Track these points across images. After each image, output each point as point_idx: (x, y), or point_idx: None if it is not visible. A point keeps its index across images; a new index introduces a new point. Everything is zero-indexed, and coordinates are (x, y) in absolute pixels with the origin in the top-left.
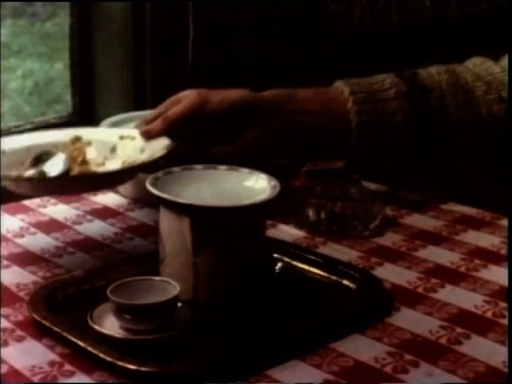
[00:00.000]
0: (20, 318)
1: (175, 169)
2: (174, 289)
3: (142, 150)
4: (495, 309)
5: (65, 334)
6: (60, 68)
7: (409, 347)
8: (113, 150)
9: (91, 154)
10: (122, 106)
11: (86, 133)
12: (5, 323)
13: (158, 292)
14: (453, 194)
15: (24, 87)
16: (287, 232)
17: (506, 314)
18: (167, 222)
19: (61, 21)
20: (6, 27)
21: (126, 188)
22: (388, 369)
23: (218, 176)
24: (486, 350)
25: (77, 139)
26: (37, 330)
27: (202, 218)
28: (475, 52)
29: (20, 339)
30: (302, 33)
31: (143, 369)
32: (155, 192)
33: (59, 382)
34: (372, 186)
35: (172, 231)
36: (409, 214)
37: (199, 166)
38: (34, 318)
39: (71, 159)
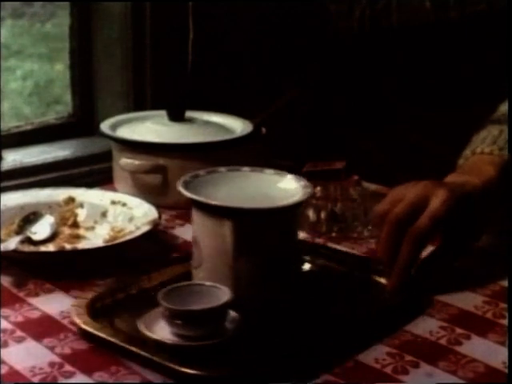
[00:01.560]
0: (20, 318)
1: (201, 172)
2: (224, 294)
3: (131, 220)
4: (495, 309)
5: (112, 339)
6: (60, 69)
7: (409, 348)
8: (103, 214)
9: (82, 216)
10: (122, 107)
11: (79, 194)
12: (4, 324)
13: (207, 297)
14: None
15: (24, 88)
16: None
17: (506, 314)
18: (204, 226)
19: (61, 21)
20: (5, 28)
21: (124, 185)
22: (388, 369)
23: (243, 178)
24: (485, 351)
25: (70, 200)
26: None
27: (243, 220)
28: (475, 54)
29: (20, 340)
30: (302, 33)
31: (200, 373)
32: (193, 197)
33: (59, 382)
34: (372, 186)
35: (210, 235)
36: None
37: (223, 169)
38: (79, 326)
39: (62, 220)
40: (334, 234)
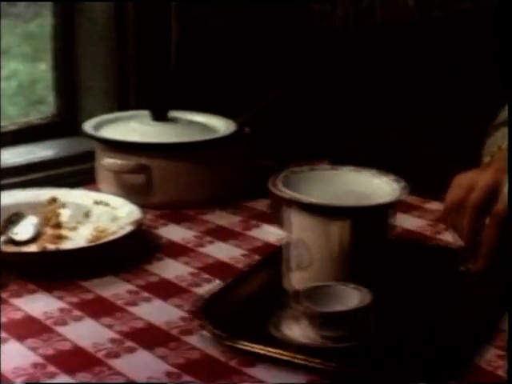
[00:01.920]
0: (3, 319)
1: (294, 169)
2: (365, 295)
3: (114, 220)
4: None
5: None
6: (44, 69)
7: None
8: (86, 214)
9: (65, 216)
10: (106, 107)
11: (62, 194)
12: None
13: (342, 298)
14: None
15: (8, 88)
16: (271, 232)
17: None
18: (314, 227)
19: (44, 22)
20: None
21: (107, 185)
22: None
23: (338, 177)
24: None
25: (53, 200)
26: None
27: (361, 217)
28: (459, 53)
29: (3, 341)
30: (285, 34)
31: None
32: (303, 199)
33: (42, 383)
34: None
35: (323, 235)
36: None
37: (327, 166)
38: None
39: (45, 220)
40: None
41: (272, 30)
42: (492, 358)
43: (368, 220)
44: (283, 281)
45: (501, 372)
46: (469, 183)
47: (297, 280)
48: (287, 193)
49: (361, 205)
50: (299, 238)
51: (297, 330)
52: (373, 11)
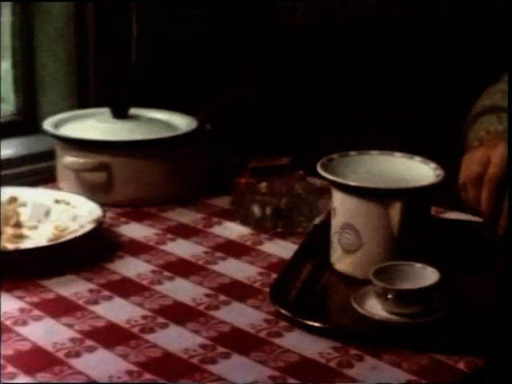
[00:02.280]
0: None
1: (334, 156)
2: (433, 274)
3: (75, 218)
4: None
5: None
6: (6, 67)
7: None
8: (47, 213)
9: (25, 215)
10: (66, 105)
11: (22, 193)
12: None
13: (415, 277)
14: None
15: None
16: (233, 229)
17: None
18: (364, 209)
19: (5, 20)
20: None
21: (68, 184)
22: (333, 364)
23: (372, 161)
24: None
25: (13, 199)
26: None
27: (409, 199)
28: (417, 47)
29: None
30: (248, 31)
31: None
32: (352, 183)
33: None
34: (317, 181)
35: (372, 217)
36: None
37: (353, 152)
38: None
39: (5, 219)
40: (279, 230)
41: (233, 26)
42: None
43: (416, 201)
44: (335, 264)
45: None
46: (483, 159)
47: (347, 262)
48: (335, 178)
49: (412, 187)
50: (347, 222)
51: (370, 307)
52: (334, 8)
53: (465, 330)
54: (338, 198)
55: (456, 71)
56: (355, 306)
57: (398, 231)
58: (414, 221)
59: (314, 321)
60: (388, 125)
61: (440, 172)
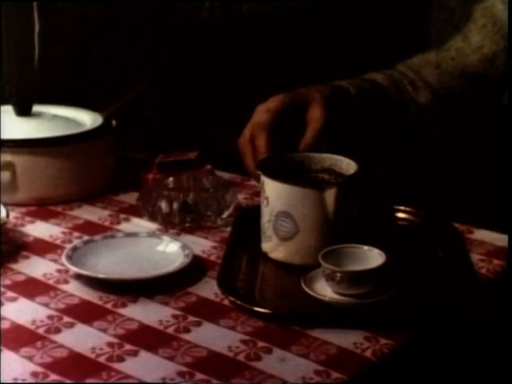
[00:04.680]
0: None
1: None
2: (379, 256)
3: None
4: None
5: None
6: None
7: (262, 334)
8: None
9: None
10: None
11: None
12: None
13: (362, 259)
14: None
15: None
16: (140, 225)
17: None
18: (302, 198)
19: None
20: None
21: None
22: (241, 357)
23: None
24: (337, 333)
25: None
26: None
27: (343, 187)
28: (323, 43)
29: None
30: (152, 25)
31: None
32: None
33: None
34: (225, 175)
35: (309, 206)
36: None
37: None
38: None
39: None
40: (187, 225)
41: (138, 21)
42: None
43: (348, 188)
44: (270, 253)
45: None
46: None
47: (283, 250)
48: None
49: (347, 174)
50: (282, 210)
51: (320, 288)
52: (240, 1)
53: (405, 308)
54: (271, 187)
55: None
56: (306, 288)
57: (333, 216)
58: (346, 206)
59: (265, 308)
60: None
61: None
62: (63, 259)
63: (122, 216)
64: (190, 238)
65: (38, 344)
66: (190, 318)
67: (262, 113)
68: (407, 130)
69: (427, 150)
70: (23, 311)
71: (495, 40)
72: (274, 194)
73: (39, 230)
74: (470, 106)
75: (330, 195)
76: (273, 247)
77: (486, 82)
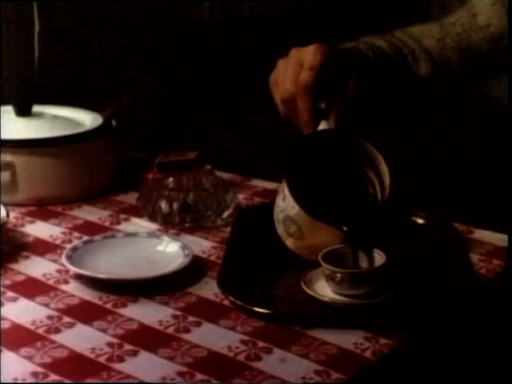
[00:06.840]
0: None
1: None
2: (379, 257)
3: None
4: None
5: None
6: None
7: (262, 334)
8: None
9: None
10: None
11: None
12: None
13: (363, 260)
14: None
15: None
16: (140, 225)
17: None
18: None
19: None
20: None
21: None
22: (241, 357)
23: None
24: (337, 333)
25: None
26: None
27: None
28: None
29: None
30: (153, 24)
31: None
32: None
33: None
34: (225, 175)
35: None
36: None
37: None
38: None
39: None
40: (187, 225)
41: (138, 21)
42: None
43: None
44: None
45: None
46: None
47: (296, 246)
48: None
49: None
50: (286, 215)
51: (320, 288)
52: (240, 1)
53: (405, 308)
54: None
55: None
56: (305, 288)
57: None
58: None
59: (265, 308)
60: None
61: None
62: (63, 259)
63: (122, 216)
64: (189, 238)
65: (38, 344)
66: (190, 318)
67: (307, 70)
68: (410, 101)
69: (427, 146)
70: (23, 311)
71: (503, 22)
72: (292, 205)
73: (39, 230)
74: (466, 82)
75: None
76: (288, 242)
77: (487, 61)
